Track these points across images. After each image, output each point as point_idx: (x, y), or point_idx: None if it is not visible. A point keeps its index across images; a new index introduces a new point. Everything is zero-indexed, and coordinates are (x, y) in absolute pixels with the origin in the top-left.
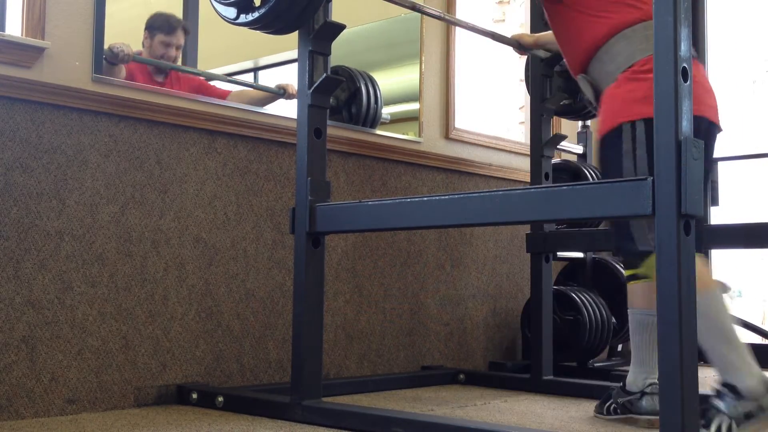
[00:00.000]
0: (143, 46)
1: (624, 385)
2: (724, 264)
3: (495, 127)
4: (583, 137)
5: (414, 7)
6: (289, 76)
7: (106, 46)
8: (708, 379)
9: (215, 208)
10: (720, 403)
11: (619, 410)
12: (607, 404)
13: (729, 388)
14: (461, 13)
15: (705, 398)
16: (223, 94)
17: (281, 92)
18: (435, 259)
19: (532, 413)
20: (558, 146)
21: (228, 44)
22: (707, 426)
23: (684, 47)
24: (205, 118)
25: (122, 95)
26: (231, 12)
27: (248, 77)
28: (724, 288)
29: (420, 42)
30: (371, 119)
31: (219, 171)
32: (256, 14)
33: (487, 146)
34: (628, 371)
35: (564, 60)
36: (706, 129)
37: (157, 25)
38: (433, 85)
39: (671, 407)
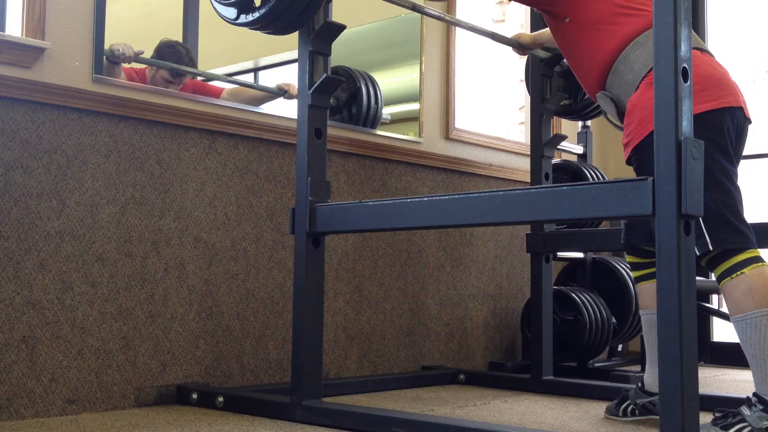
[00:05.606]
0: (147, 71)
1: (643, 386)
2: None
3: (495, 127)
4: (583, 137)
5: (414, 7)
6: (289, 76)
7: (106, 47)
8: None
9: (215, 209)
10: (746, 411)
11: (638, 411)
12: (624, 405)
13: (760, 400)
14: (461, 13)
15: (736, 401)
16: (218, 92)
17: (282, 92)
18: (435, 259)
19: (532, 413)
20: (558, 146)
21: (228, 44)
22: (727, 428)
23: (684, 47)
24: (205, 118)
25: (122, 95)
26: (231, 12)
27: (248, 77)
28: None
29: (420, 42)
30: (371, 119)
31: (219, 171)
32: (256, 14)
33: (487, 146)
34: (628, 371)
35: (579, 81)
36: (742, 120)
37: (168, 60)
38: (433, 85)
39: (671, 407)
